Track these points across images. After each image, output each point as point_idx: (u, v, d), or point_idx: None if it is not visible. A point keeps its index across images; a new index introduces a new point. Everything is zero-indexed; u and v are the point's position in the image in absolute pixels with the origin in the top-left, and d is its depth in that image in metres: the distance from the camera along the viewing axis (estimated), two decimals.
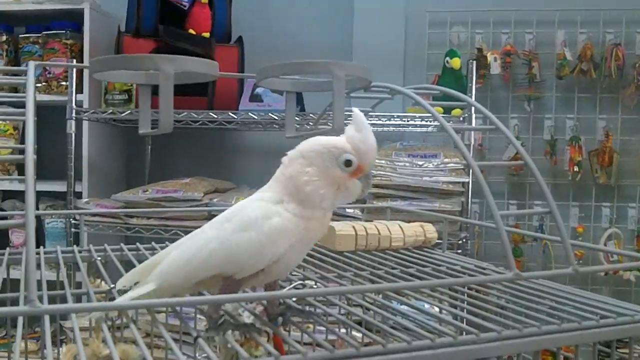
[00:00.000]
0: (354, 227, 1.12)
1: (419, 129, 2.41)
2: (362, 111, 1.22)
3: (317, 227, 0.72)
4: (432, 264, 1.01)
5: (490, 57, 2.53)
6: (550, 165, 2.55)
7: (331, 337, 0.84)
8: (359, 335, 0.89)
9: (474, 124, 2.14)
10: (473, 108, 2.13)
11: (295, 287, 0.95)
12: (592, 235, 2.54)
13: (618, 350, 0.75)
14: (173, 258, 0.72)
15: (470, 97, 2.14)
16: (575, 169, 2.50)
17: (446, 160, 2.03)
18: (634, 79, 2.47)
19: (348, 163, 0.70)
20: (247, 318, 0.86)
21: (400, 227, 1.14)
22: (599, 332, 0.70)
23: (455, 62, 2.19)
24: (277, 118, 2.22)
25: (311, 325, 0.96)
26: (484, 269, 0.99)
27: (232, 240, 0.69)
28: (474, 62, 2.19)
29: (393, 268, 0.98)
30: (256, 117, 2.23)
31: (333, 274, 0.96)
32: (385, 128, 2.38)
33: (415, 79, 2.55)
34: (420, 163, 2.02)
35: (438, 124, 2.20)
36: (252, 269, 0.70)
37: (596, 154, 2.52)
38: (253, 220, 0.69)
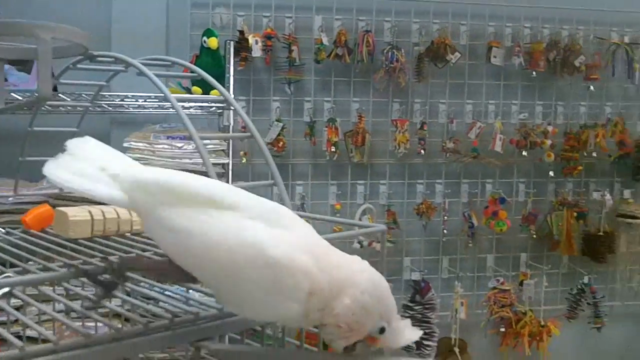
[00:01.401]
0: (90, 211, 1.03)
1: (171, 110, 2.31)
2: (94, 84, 1.13)
3: None
4: None
5: (251, 40, 2.54)
6: (310, 146, 2.67)
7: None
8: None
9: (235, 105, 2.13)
10: (232, 87, 2.13)
11: None
12: (349, 212, 2.72)
13: None
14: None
15: (229, 77, 2.12)
16: (332, 149, 2.64)
17: (206, 141, 2.00)
18: (382, 64, 2.67)
19: (382, 330, 0.64)
20: None
21: None
22: None
23: (212, 42, 2.15)
24: (22, 99, 1.98)
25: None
26: None
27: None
28: (232, 42, 2.18)
29: (127, 252, 0.91)
30: None
31: (58, 263, 0.87)
32: (144, 110, 2.26)
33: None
34: (180, 145, 1.96)
35: (203, 104, 2.11)
36: None
37: (351, 134, 2.68)
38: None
